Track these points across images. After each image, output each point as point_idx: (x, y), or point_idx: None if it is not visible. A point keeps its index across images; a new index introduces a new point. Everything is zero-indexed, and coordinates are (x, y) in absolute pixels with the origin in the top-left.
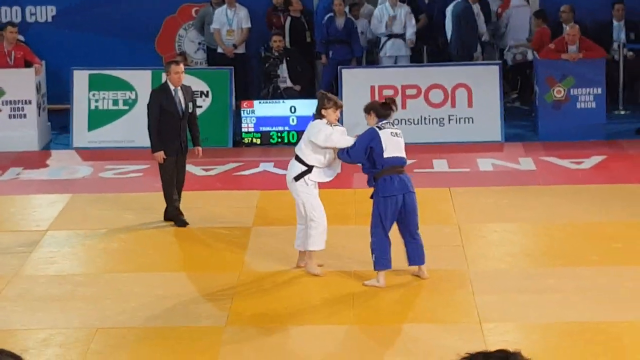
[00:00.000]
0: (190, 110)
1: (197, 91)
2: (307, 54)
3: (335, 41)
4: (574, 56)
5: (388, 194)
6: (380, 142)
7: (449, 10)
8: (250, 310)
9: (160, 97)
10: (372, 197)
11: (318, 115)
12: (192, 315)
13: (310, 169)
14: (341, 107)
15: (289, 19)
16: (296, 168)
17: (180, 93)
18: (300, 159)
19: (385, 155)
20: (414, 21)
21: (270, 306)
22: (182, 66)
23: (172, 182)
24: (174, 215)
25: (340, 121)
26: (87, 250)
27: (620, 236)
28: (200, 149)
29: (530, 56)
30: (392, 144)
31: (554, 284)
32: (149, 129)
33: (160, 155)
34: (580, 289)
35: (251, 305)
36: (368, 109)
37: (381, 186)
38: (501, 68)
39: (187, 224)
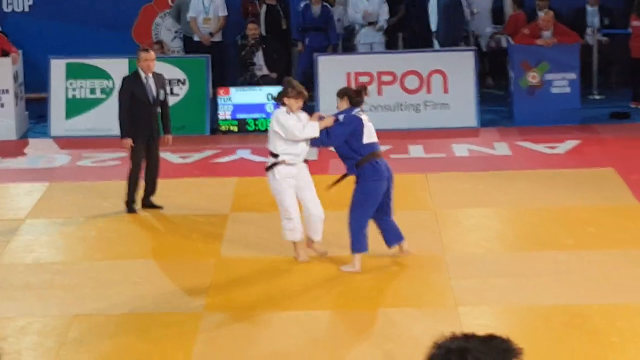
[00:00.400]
0: (161, 98)
1: (174, 79)
2: (283, 41)
3: (312, 28)
4: (549, 41)
5: (378, 177)
6: (363, 128)
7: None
8: (228, 297)
9: (131, 85)
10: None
11: (279, 100)
12: (169, 302)
13: (278, 161)
14: (305, 97)
15: (264, 6)
16: (269, 160)
17: (151, 80)
18: (270, 150)
19: (365, 141)
20: (386, 9)
21: (247, 293)
22: (152, 54)
23: (139, 170)
24: (129, 202)
25: (316, 108)
26: (65, 238)
27: (594, 220)
28: (170, 137)
29: (504, 43)
30: (369, 130)
31: (528, 268)
32: (119, 116)
33: (128, 142)
34: (555, 273)
35: (228, 291)
36: (342, 94)
37: (369, 171)
38: (477, 54)
39: (135, 211)
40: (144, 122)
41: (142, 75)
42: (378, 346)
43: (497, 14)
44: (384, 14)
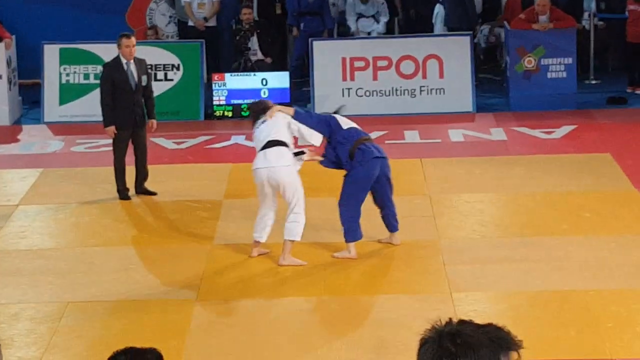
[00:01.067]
0: (144, 84)
1: (169, 64)
2: (277, 26)
3: (307, 13)
4: (545, 26)
5: (369, 157)
6: (336, 118)
7: None
8: (222, 284)
9: (112, 71)
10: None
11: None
12: (163, 288)
13: (302, 152)
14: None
15: None
16: (289, 153)
17: (132, 66)
18: (287, 144)
19: (344, 127)
20: (385, 15)
21: (241, 279)
22: (133, 39)
23: (123, 156)
24: (120, 190)
25: (311, 93)
26: (58, 224)
27: (590, 206)
28: (154, 121)
29: (504, 37)
30: (345, 119)
31: (524, 254)
32: (101, 103)
33: (111, 129)
34: (550, 259)
35: (222, 278)
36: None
37: (360, 156)
38: (472, 39)
39: (129, 198)
40: (126, 109)
41: (123, 61)
42: (372, 332)
43: (489, 10)
44: (384, 17)
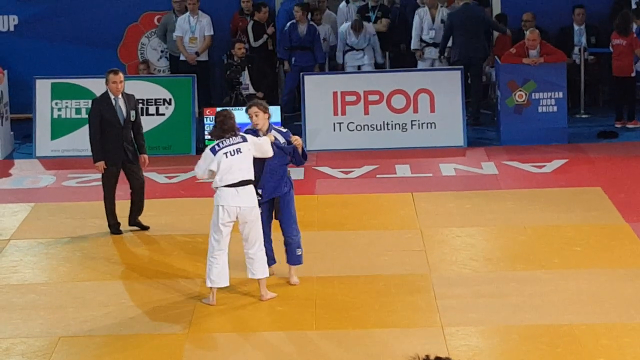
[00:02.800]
0: (132, 119)
1: (160, 99)
2: (269, 60)
3: (298, 48)
4: (535, 60)
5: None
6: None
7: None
8: (213, 318)
9: (101, 106)
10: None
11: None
12: (154, 323)
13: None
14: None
15: (250, 22)
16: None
17: (121, 102)
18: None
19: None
20: (372, 54)
21: (232, 313)
22: (121, 75)
23: (113, 192)
24: (111, 225)
25: (302, 127)
26: (50, 259)
27: (581, 240)
28: (146, 156)
29: (494, 78)
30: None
31: (515, 288)
32: (90, 139)
33: (101, 165)
34: (541, 293)
35: (213, 312)
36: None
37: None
38: (462, 73)
39: (120, 232)
40: (115, 144)
41: (112, 96)
42: None
43: None
44: (370, 58)
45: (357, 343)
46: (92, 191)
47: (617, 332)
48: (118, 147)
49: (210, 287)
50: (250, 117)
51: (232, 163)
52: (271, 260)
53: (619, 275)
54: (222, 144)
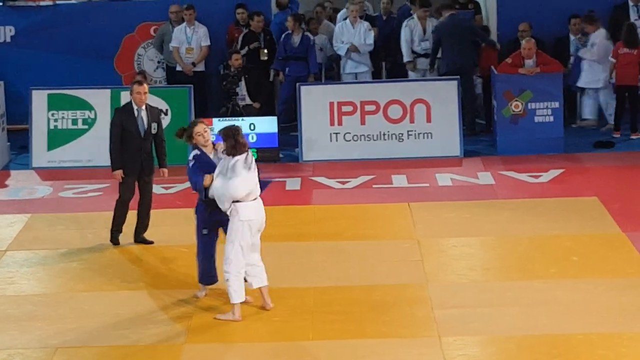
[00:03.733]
0: (154, 131)
1: None
2: (265, 71)
3: (292, 58)
4: (532, 70)
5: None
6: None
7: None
8: (210, 328)
9: (122, 116)
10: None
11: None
12: (152, 333)
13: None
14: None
15: (244, 31)
16: None
17: (143, 113)
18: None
19: None
20: (372, 36)
21: (228, 324)
22: (145, 86)
23: (126, 203)
24: (113, 231)
25: (299, 137)
26: (46, 270)
27: (578, 249)
28: (165, 170)
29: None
30: None
31: (512, 298)
32: (109, 148)
33: (119, 173)
34: (538, 302)
35: (210, 322)
36: None
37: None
38: (459, 83)
39: (118, 243)
40: (134, 155)
41: (135, 107)
42: None
43: None
44: (370, 39)
45: (354, 354)
46: (88, 202)
47: (614, 341)
48: (136, 158)
49: (235, 303)
50: (199, 135)
51: (252, 177)
52: (214, 279)
53: (616, 285)
54: (245, 159)
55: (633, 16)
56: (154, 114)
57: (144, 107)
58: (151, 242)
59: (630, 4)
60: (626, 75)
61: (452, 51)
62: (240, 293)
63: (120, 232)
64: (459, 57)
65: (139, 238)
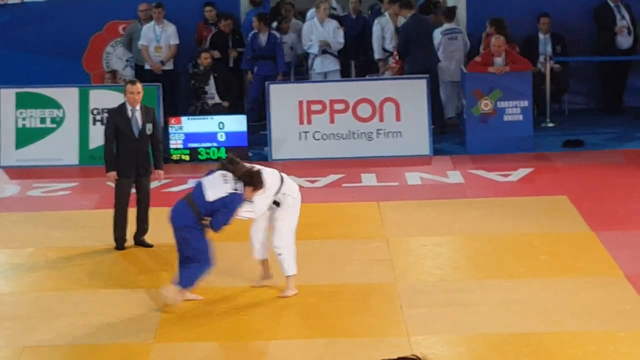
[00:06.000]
0: (149, 132)
1: None
2: (234, 69)
3: (260, 57)
4: (501, 69)
5: None
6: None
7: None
8: (179, 327)
9: (116, 117)
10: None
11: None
12: (119, 332)
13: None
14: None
15: (212, 31)
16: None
17: (138, 113)
18: None
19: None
20: (342, 35)
21: (199, 322)
22: (139, 86)
23: (124, 205)
24: (116, 239)
25: (268, 137)
26: (14, 269)
27: (547, 248)
28: (161, 172)
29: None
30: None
31: (481, 296)
32: (104, 149)
33: (112, 175)
34: (507, 301)
35: (180, 321)
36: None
37: None
38: (428, 82)
39: (124, 248)
40: (129, 156)
41: (128, 107)
42: None
43: None
44: (340, 38)
45: (323, 352)
46: (57, 201)
47: (583, 340)
48: (131, 159)
49: (290, 276)
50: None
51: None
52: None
53: (585, 284)
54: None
55: (618, 17)
56: (149, 114)
57: (138, 107)
58: (150, 246)
59: (612, 4)
60: None
61: (417, 51)
62: (294, 265)
63: (125, 240)
64: (425, 56)
65: (139, 241)
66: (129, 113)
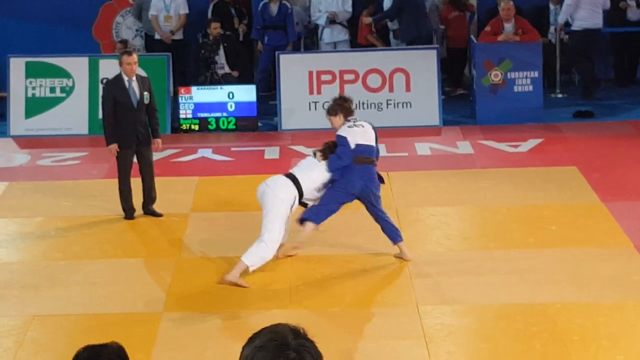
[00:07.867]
0: (146, 101)
1: None
2: (244, 39)
3: (271, 27)
4: (510, 37)
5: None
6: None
7: None
8: (188, 296)
9: (113, 89)
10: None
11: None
12: (129, 301)
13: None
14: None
15: (214, 1)
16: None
17: (134, 84)
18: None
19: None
20: (350, 4)
21: (207, 292)
22: (135, 56)
23: (127, 175)
24: (125, 209)
25: (277, 107)
26: (24, 238)
27: (556, 219)
28: (159, 140)
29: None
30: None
31: (490, 267)
32: (102, 121)
33: (114, 147)
34: (516, 272)
35: (188, 290)
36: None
37: None
38: (439, 52)
39: (133, 218)
40: (128, 127)
41: (125, 78)
42: (338, 345)
43: None
44: (348, 7)
45: (332, 321)
46: (66, 170)
47: (592, 311)
48: (131, 130)
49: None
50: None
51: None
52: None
53: (594, 255)
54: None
55: None
56: (145, 83)
57: (134, 77)
58: (160, 215)
59: None
60: None
61: (413, 20)
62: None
63: (133, 209)
64: (420, 25)
65: (148, 210)
66: (126, 84)
